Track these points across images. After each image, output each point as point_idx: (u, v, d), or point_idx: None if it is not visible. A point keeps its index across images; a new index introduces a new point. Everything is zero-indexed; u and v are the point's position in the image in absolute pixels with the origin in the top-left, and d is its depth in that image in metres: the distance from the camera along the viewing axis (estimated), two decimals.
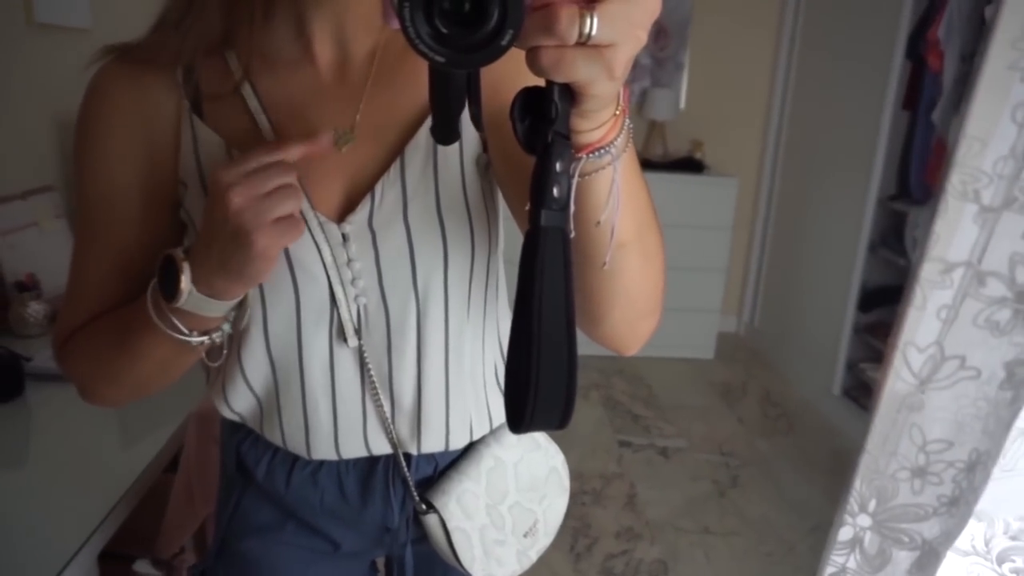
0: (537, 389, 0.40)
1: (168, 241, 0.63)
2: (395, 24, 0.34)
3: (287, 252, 0.59)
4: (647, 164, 3.41)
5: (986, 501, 0.58)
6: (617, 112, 0.42)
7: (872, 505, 0.42)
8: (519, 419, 0.41)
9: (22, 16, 1.75)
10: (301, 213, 0.57)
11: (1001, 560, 0.58)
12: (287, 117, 0.60)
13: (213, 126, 0.60)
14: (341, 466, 0.70)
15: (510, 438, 0.75)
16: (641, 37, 0.36)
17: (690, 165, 3.41)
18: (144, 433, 1.22)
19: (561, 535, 2.30)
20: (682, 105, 3.58)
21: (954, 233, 0.34)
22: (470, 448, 0.73)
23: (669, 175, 3.34)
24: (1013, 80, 0.38)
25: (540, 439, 0.78)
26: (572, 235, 0.40)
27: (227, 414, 0.70)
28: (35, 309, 1.55)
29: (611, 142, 0.42)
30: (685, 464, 2.64)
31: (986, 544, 0.57)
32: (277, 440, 0.70)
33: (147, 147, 0.61)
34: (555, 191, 0.38)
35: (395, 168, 0.59)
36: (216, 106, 0.60)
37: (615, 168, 0.43)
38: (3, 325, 1.52)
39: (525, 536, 0.76)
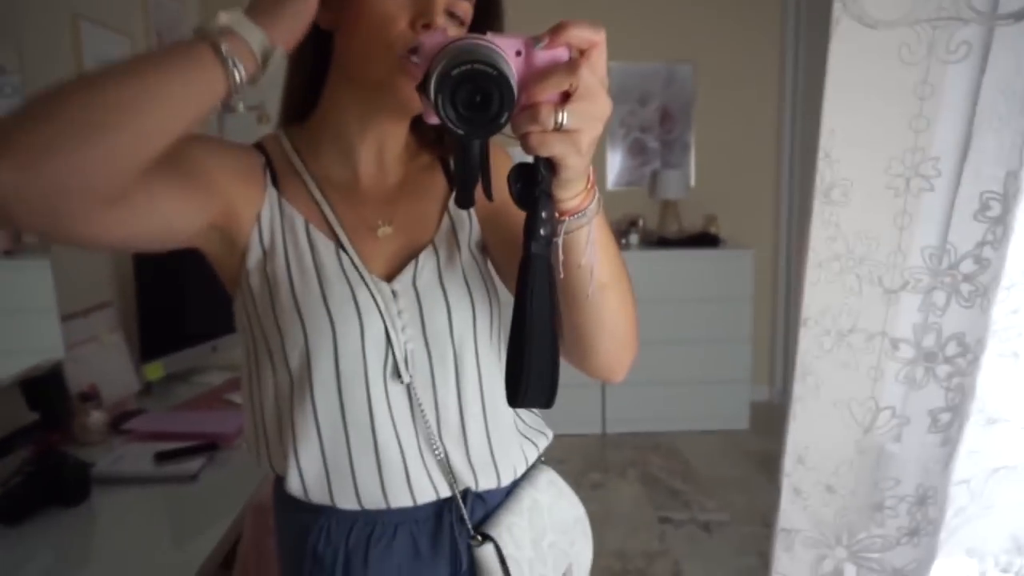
0: (530, 372, 0.59)
1: (164, 212, 0.65)
2: (433, 119, 0.52)
3: (354, 298, 0.74)
4: (664, 242, 3.55)
5: (974, 539, 0.65)
6: (588, 186, 0.60)
7: (845, 538, 0.49)
8: (515, 396, 0.60)
9: None
10: (359, 274, 0.75)
11: None
12: (341, 210, 0.78)
13: (290, 200, 0.77)
14: (413, 526, 0.79)
15: (541, 482, 0.86)
16: (598, 127, 0.53)
17: (706, 240, 3.53)
18: (201, 528, 1.30)
19: None
20: (692, 183, 3.75)
21: (867, 309, 0.44)
22: (510, 491, 0.84)
23: (686, 251, 3.46)
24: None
25: (564, 490, 0.89)
26: (561, 276, 0.60)
27: (294, 484, 0.76)
28: (96, 418, 1.68)
29: (585, 208, 0.60)
30: (729, 538, 2.63)
31: None
32: (351, 501, 0.76)
33: (239, 184, 0.74)
34: (542, 231, 0.57)
35: (429, 248, 0.78)
36: (290, 197, 0.77)
37: (590, 227, 0.61)
38: (67, 433, 1.64)
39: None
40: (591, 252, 0.62)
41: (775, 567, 0.57)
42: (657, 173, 3.69)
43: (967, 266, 0.43)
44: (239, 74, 0.58)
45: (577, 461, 3.23)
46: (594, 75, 0.52)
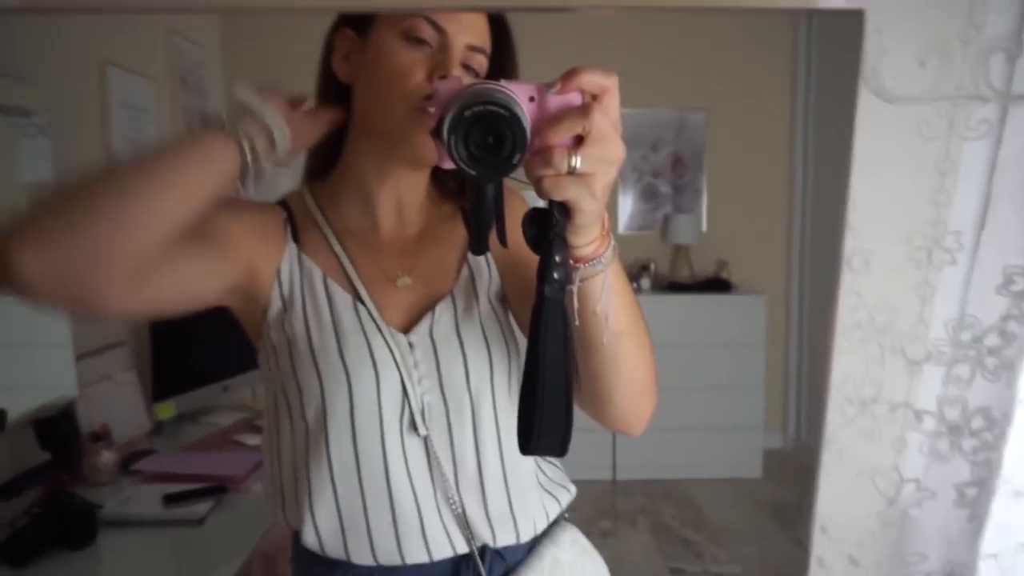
0: (542, 419, 0.57)
1: (188, 281, 0.68)
2: (447, 164, 0.52)
3: (371, 351, 0.74)
4: (675, 287, 3.54)
5: None
6: (603, 232, 0.59)
7: None
8: (527, 442, 0.58)
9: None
10: (376, 325, 0.75)
11: None
12: (360, 261, 0.78)
13: (308, 254, 0.78)
14: None
15: (563, 540, 0.84)
16: (612, 171, 0.53)
17: (717, 285, 3.52)
18: (207, 572, 1.29)
19: None
20: (704, 228, 3.76)
21: (890, 379, 0.44)
22: (531, 549, 0.82)
23: (697, 296, 3.45)
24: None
25: (588, 549, 0.87)
26: (576, 323, 0.59)
27: (310, 538, 0.76)
28: (106, 458, 1.68)
29: (600, 256, 0.59)
30: None
31: None
32: (367, 557, 0.76)
33: (260, 242, 0.76)
34: (555, 274, 0.56)
35: (447, 298, 0.78)
36: (310, 251, 0.78)
37: (605, 274, 0.60)
38: (77, 473, 1.64)
39: None
40: (606, 299, 0.61)
41: None
42: (669, 218, 3.71)
43: (991, 340, 0.43)
44: (255, 158, 0.63)
45: (587, 508, 3.18)
46: (607, 119, 0.52)
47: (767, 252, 3.81)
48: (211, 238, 0.69)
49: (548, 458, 0.88)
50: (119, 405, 1.89)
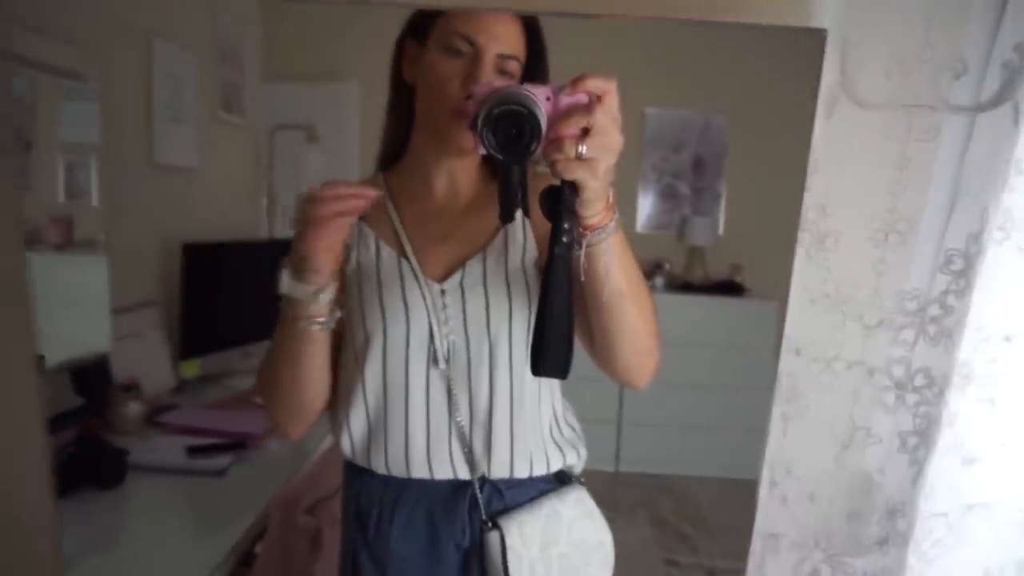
0: (548, 349, 0.74)
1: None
2: (482, 150, 0.68)
3: (404, 297, 0.91)
4: (689, 287, 3.62)
5: (951, 569, 0.72)
6: (607, 207, 0.73)
7: (823, 542, 0.57)
8: (537, 366, 0.75)
9: (145, 157, 2.14)
10: (415, 276, 0.92)
11: None
12: (412, 226, 0.96)
13: (370, 224, 0.97)
14: (432, 500, 0.93)
15: (569, 498, 0.96)
16: (612, 157, 0.67)
17: (730, 288, 3.60)
18: (225, 522, 1.39)
19: None
20: (720, 231, 3.83)
21: (851, 341, 0.53)
22: (535, 498, 0.94)
23: (710, 298, 3.54)
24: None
25: (593, 512, 0.99)
26: (583, 279, 0.75)
27: (344, 444, 0.95)
28: (134, 409, 1.79)
29: (605, 225, 0.74)
30: None
31: None
32: (381, 466, 0.94)
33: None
34: (564, 238, 0.71)
35: (479, 255, 0.93)
36: (371, 215, 0.95)
37: (608, 241, 0.75)
38: (107, 421, 1.75)
39: None
40: (607, 261, 0.76)
41: (762, 568, 0.64)
42: (686, 219, 3.79)
43: (933, 310, 0.52)
44: (317, 325, 0.87)
45: None
46: (607, 115, 0.66)
47: (781, 259, 3.85)
48: None
49: (568, 420, 1.01)
50: (147, 361, 2.01)
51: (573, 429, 1.01)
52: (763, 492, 0.64)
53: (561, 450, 0.97)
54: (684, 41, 3.66)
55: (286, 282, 0.85)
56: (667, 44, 3.61)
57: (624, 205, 4.51)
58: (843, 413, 0.57)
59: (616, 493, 3.39)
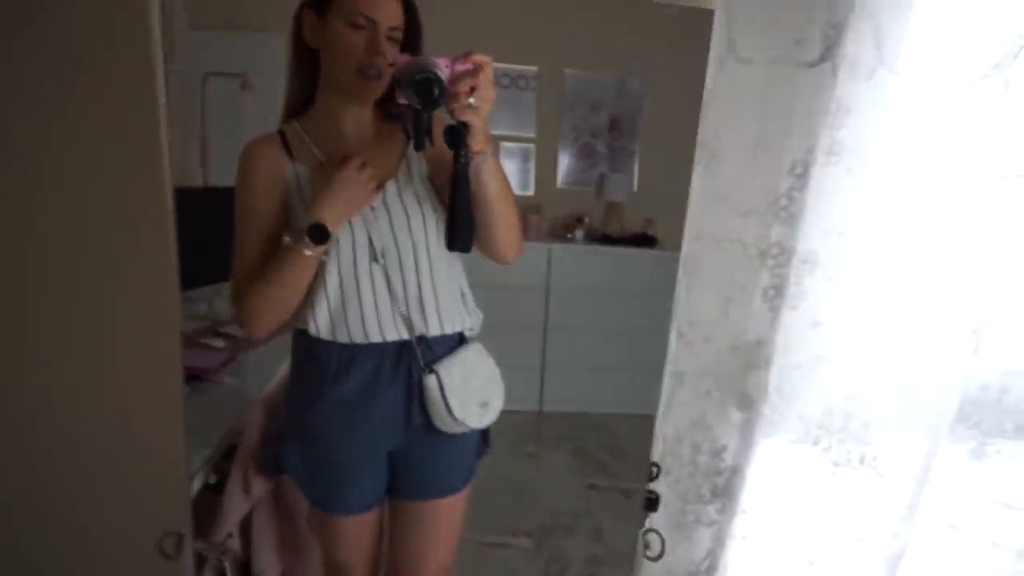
0: (456, 232, 1.21)
1: (282, 224, 1.28)
2: (403, 100, 1.09)
3: (349, 219, 1.24)
4: (606, 239, 3.93)
5: (804, 406, 1.01)
6: (486, 140, 1.12)
7: (715, 369, 0.83)
8: (451, 243, 1.24)
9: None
10: None
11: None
12: (333, 159, 1.26)
13: (301, 162, 1.28)
14: (382, 356, 1.30)
15: (472, 348, 1.38)
16: (488, 106, 1.08)
17: (644, 240, 3.94)
18: (212, 429, 1.55)
19: (535, 561, 2.65)
20: (635, 187, 4.16)
21: (731, 224, 0.80)
22: (452, 348, 1.35)
23: (626, 249, 3.86)
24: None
25: (486, 358, 1.40)
26: (471, 186, 1.16)
27: (312, 328, 1.28)
28: None
29: (485, 151, 1.13)
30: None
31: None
32: (344, 336, 1.27)
33: (273, 180, 1.27)
34: (461, 159, 1.11)
35: (392, 180, 1.29)
36: (300, 156, 1.28)
37: (486, 163, 1.15)
38: None
39: (481, 407, 1.35)
40: (487, 174, 1.15)
41: (673, 399, 0.90)
42: (604, 176, 4.08)
43: (783, 201, 0.78)
44: (315, 252, 1.21)
45: (514, 433, 3.58)
46: (486, 78, 1.05)
47: None
48: (277, 239, 1.27)
49: (468, 295, 1.40)
50: None
51: (471, 299, 1.41)
52: (672, 342, 0.90)
53: (468, 313, 1.38)
54: (603, 6, 3.91)
55: (310, 250, 1.19)
56: (586, 9, 3.85)
57: (546, 162, 4.74)
58: (727, 276, 0.84)
59: (541, 430, 3.71)
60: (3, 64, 0.94)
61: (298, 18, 1.24)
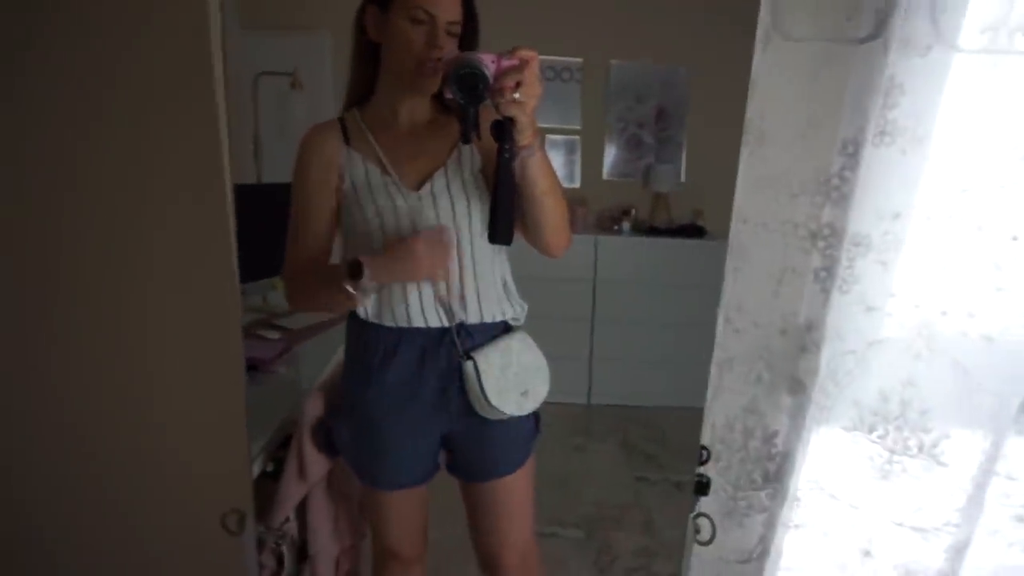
0: (498, 226, 1.20)
1: (334, 219, 1.37)
2: (449, 95, 1.09)
3: (395, 205, 1.30)
4: (654, 231, 3.90)
5: (857, 392, 0.99)
6: (533, 134, 1.12)
7: (765, 355, 0.82)
8: (493, 237, 1.21)
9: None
10: (396, 187, 1.30)
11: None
12: (388, 149, 1.32)
13: (356, 150, 1.33)
14: (425, 340, 1.35)
15: (516, 336, 1.40)
16: (535, 101, 1.08)
17: (693, 231, 3.89)
18: (267, 419, 1.60)
19: (585, 551, 2.66)
20: (682, 178, 4.11)
21: (782, 209, 0.79)
22: (494, 337, 1.37)
23: (674, 240, 3.82)
24: None
25: (533, 347, 1.42)
26: (519, 182, 1.18)
27: (361, 311, 1.35)
28: None
29: (531, 145, 1.13)
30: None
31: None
32: (390, 321, 1.34)
33: (328, 164, 1.32)
34: (506, 153, 1.13)
35: (441, 170, 1.31)
36: (356, 143, 1.34)
37: (534, 157, 1.16)
38: None
39: (521, 395, 1.37)
40: (534, 169, 1.17)
41: (721, 385, 0.90)
42: (651, 167, 4.05)
43: (835, 182, 0.77)
44: (359, 299, 1.26)
45: (562, 426, 3.59)
46: (532, 74, 1.06)
47: None
48: (329, 223, 1.37)
49: (511, 285, 1.42)
50: None
51: (515, 291, 1.43)
52: (720, 326, 0.90)
53: (511, 302, 1.41)
54: None
55: (360, 295, 1.25)
56: (631, 1, 3.82)
57: (592, 154, 4.74)
58: (777, 258, 0.83)
59: (589, 423, 3.71)
60: (70, 68, 1.01)
61: (361, 13, 1.30)
